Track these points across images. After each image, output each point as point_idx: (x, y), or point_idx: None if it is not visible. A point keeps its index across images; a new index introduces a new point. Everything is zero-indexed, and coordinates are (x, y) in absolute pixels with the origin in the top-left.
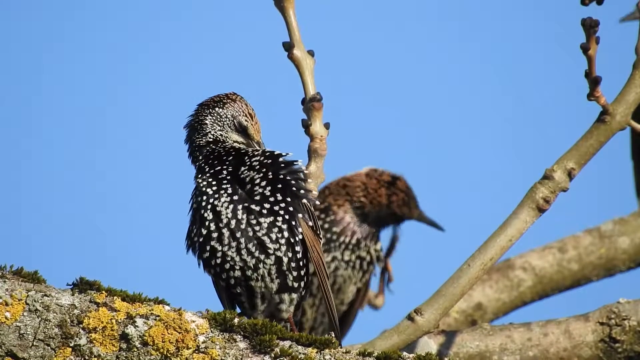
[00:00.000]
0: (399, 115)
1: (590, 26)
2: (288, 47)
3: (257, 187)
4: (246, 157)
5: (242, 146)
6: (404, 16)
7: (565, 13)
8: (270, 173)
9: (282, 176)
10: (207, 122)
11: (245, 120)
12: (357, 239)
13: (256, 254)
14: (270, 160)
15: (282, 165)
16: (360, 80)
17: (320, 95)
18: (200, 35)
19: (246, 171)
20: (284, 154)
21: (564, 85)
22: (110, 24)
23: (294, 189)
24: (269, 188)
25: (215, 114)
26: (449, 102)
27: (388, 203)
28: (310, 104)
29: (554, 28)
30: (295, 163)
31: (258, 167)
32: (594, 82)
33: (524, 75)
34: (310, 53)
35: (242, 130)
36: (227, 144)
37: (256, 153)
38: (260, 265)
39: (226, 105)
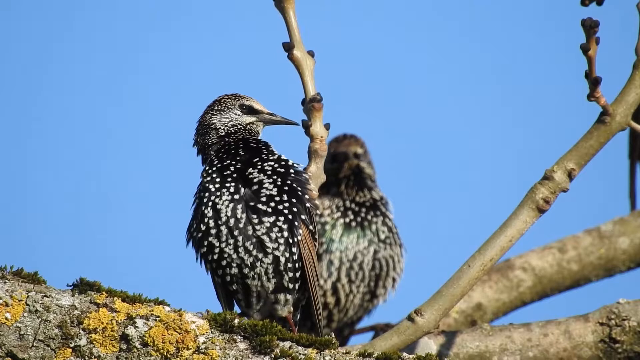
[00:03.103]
0: (399, 116)
1: (590, 27)
2: (288, 47)
3: (264, 189)
4: (258, 159)
5: (252, 138)
6: (404, 16)
7: (565, 13)
8: (279, 179)
9: (289, 182)
10: (214, 121)
11: (247, 100)
12: (371, 201)
13: (254, 252)
14: (283, 170)
15: (292, 174)
16: (360, 81)
17: (321, 96)
18: (200, 35)
19: (256, 173)
20: (296, 164)
21: (564, 85)
22: (110, 24)
23: (300, 193)
24: (275, 190)
25: (217, 111)
26: (449, 102)
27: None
28: (310, 105)
29: (554, 28)
30: (304, 174)
31: (270, 172)
32: (594, 82)
33: (524, 75)
34: (310, 54)
35: (249, 109)
36: (238, 134)
37: (270, 157)
38: (258, 264)
39: (224, 100)
